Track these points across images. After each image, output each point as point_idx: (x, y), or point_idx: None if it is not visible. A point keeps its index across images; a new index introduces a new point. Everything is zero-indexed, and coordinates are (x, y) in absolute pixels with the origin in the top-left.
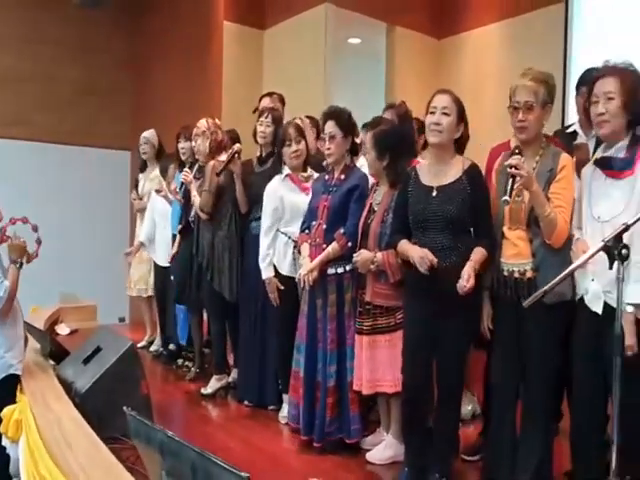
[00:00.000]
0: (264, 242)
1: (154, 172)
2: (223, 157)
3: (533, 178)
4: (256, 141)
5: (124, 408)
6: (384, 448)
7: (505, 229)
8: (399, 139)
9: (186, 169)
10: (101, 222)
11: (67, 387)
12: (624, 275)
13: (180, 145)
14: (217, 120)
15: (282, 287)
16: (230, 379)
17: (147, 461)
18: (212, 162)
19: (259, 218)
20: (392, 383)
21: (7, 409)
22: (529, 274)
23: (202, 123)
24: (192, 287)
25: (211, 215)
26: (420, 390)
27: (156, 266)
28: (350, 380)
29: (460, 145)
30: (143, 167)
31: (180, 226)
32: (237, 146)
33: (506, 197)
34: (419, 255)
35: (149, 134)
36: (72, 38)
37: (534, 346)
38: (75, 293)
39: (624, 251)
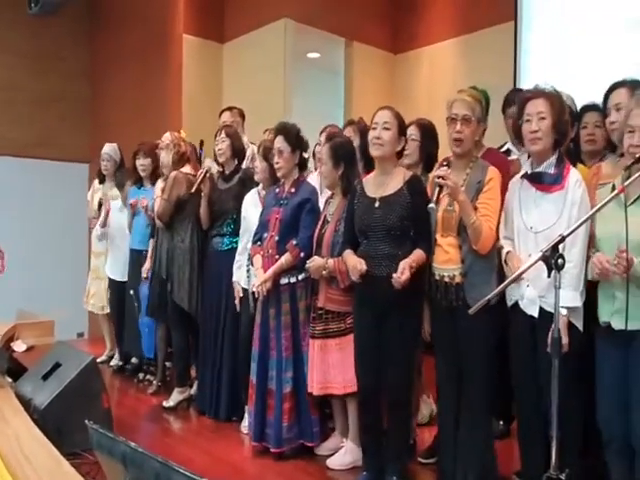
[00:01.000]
0: (239, 247)
1: (113, 190)
2: (186, 169)
3: (459, 188)
4: (218, 162)
5: (86, 421)
6: (344, 453)
7: (438, 236)
8: (353, 150)
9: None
10: (58, 235)
11: (25, 404)
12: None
13: (139, 162)
14: (183, 133)
15: (242, 294)
16: (192, 391)
17: (109, 473)
18: (174, 173)
19: (223, 234)
20: (341, 385)
21: None
22: (457, 279)
23: (166, 136)
24: (161, 299)
25: (171, 225)
26: (373, 393)
27: (111, 281)
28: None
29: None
30: (102, 179)
31: (154, 240)
32: (207, 166)
33: (431, 204)
34: (351, 265)
35: (111, 150)
36: (28, 47)
37: (468, 348)
38: (33, 311)
39: (560, 260)
